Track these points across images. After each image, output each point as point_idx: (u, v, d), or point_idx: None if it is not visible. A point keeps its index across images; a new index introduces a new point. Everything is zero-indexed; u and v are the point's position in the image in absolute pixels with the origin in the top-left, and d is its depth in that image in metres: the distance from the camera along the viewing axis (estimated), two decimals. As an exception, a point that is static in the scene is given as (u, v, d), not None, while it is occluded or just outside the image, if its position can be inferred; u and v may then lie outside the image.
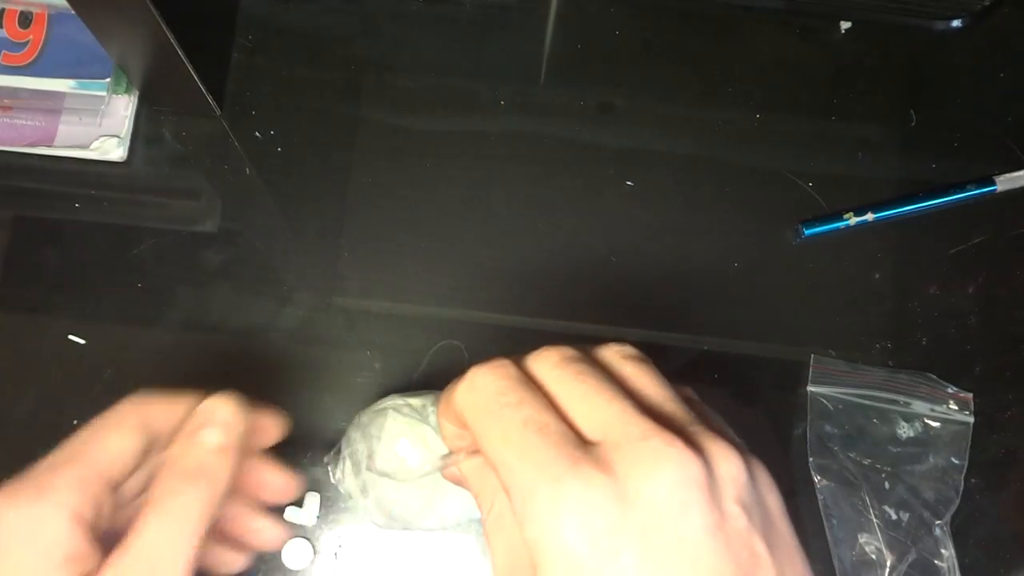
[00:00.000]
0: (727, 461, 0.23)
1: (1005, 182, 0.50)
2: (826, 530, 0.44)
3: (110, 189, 0.49)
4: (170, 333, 0.47)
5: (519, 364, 0.26)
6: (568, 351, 0.26)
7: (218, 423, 0.31)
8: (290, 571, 0.44)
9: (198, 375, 0.46)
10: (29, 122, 0.49)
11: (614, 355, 0.27)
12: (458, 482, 0.29)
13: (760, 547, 0.23)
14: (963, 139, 0.51)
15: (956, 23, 0.53)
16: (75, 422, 0.45)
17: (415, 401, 0.38)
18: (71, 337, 0.47)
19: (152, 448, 0.32)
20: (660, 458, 0.22)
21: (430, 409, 0.37)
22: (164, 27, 0.41)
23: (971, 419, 0.46)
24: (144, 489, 0.32)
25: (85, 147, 0.49)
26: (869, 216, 0.49)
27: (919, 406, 0.46)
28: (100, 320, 0.47)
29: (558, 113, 0.51)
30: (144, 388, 0.46)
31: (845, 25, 0.53)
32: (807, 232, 0.49)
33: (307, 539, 0.44)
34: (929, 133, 0.52)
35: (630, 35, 0.52)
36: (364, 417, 0.39)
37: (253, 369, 0.47)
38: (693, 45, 0.53)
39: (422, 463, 0.32)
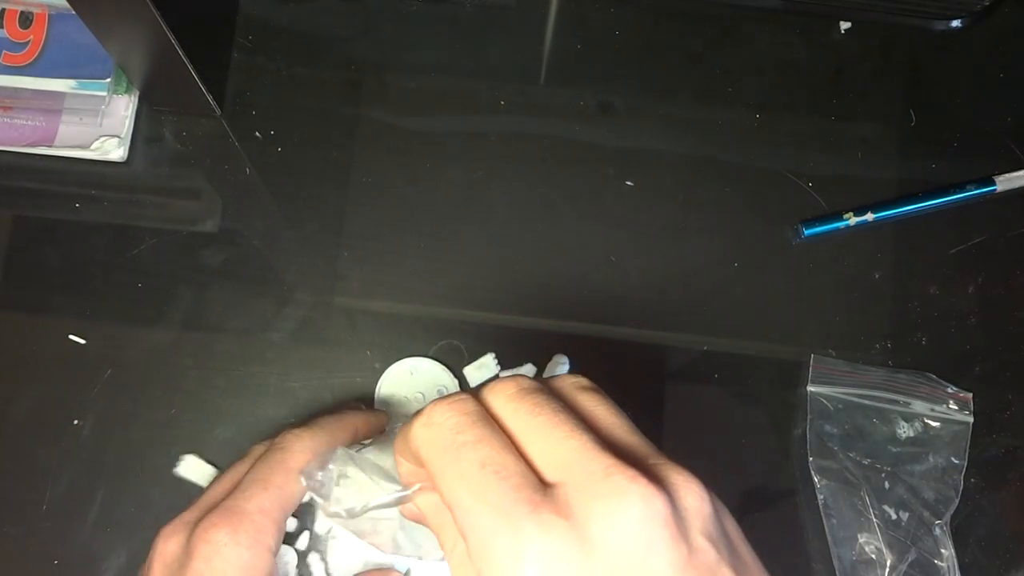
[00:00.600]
0: (691, 493, 0.22)
1: (1005, 182, 0.50)
2: (826, 530, 0.44)
3: (110, 189, 0.49)
4: (170, 333, 0.47)
5: (477, 397, 0.25)
6: (524, 382, 0.25)
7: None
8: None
9: (198, 375, 0.46)
10: (29, 122, 0.49)
11: (570, 386, 0.26)
12: (418, 519, 0.28)
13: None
14: (963, 139, 0.51)
15: (956, 23, 0.53)
16: (75, 422, 0.46)
17: (368, 444, 0.38)
18: (71, 337, 0.47)
19: None
20: (622, 496, 0.21)
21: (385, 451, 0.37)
22: (164, 27, 0.41)
23: (971, 419, 0.46)
24: None
25: (85, 147, 0.49)
26: (869, 216, 0.49)
27: (919, 406, 0.46)
28: (100, 320, 0.47)
29: (558, 113, 0.51)
30: (142, 388, 0.46)
31: (845, 25, 0.53)
32: (807, 232, 0.49)
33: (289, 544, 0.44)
34: (929, 133, 0.52)
35: (630, 35, 0.53)
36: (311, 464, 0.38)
37: (253, 369, 0.47)
38: (693, 45, 0.53)
39: (371, 500, 0.31)
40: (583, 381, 0.26)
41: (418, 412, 0.25)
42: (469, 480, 0.23)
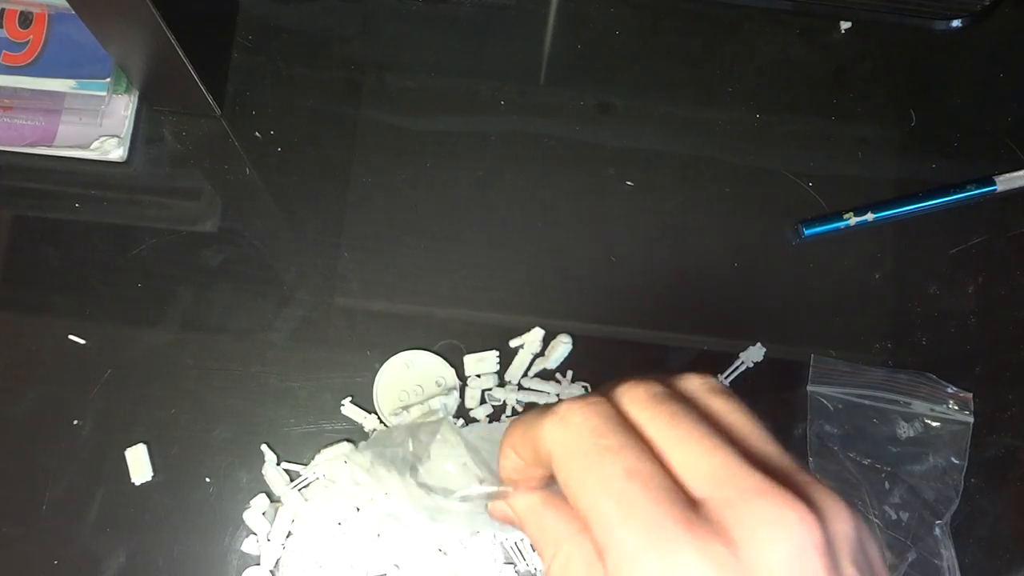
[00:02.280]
0: (841, 519, 0.21)
1: (1005, 182, 0.50)
2: (826, 530, 0.44)
3: (110, 189, 0.49)
4: (170, 333, 0.47)
5: (610, 400, 0.24)
6: (654, 387, 0.24)
7: None
8: (249, 555, 0.44)
9: (198, 375, 0.46)
10: (29, 122, 0.49)
11: (700, 388, 0.24)
12: (507, 520, 0.26)
13: None
14: (963, 139, 0.51)
15: (956, 23, 0.53)
16: (75, 422, 0.46)
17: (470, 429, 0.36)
18: (71, 337, 0.47)
19: None
20: (780, 521, 0.20)
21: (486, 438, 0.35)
22: (164, 27, 0.41)
23: (971, 419, 0.46)
24: None
25: (85, 147, 0.49)
26: (869, 216, 0.49)
27: (919, 406, 0.46)
28: (100, 320, 0.47)
29: (558, 113, 0.51)
30: (142, 388, 0.46)
31: (845, 25, 0.53)
32: (807, 232, 0.49)
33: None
34: (929, 133, 0.52)
35: (630, 35, 0.53)
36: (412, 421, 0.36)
37: (253, 369, 0.47)
38: (693, 45, 0.53)
39: (466, 486, 0.29)
40: (712, 382, 0.25)
41: (544, 409, 0.24)
42: (614, 490, 0.21)
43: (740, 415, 0.24)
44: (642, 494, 0.21)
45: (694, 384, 0.25)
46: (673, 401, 0.23)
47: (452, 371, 0.46)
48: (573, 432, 0.23)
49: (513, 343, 0.47)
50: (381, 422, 0.46)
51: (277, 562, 0.44)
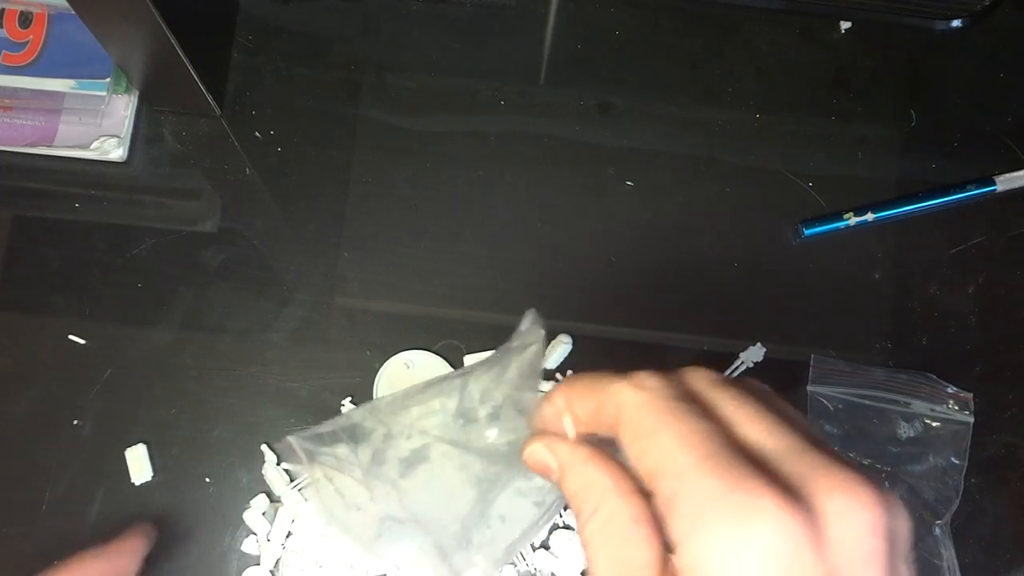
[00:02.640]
0: (901, 516, 0.21)
1: (1005, 182, 0.50)
2: (826, 530, 0.44)
3: (110, 189, 0.49)
4: (170, 333, 0.47)
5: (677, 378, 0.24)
6: (714, 373, 0.24)
7: None
8: (248, 555, 0.44)
9: (198, 375, 0.46)
10: (29, 122, 0.49)
11: (752, 386, 0.25)
12: (542, 468, 0.26)
13: None
14: (963, 139, 0.51)
15: (956, 23, 0.53)
16: (75, 422, 0.46)
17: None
18: (71, 337, 0.47)
19: None
20: (858, 498, 0.20)
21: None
22: (164, 27, 0.41)
23: (971, 419, 0.46)
24: None
25: (85, 147, 0.49)
26: (869, 216, 0.49)
27: (919, 406, 0.46)
28: (100, 320, 0.47)
29: (558, 113, 0.51)
30: (142, 388, 0.46)
31: (845, 25, 0.53)
32: (807, 232, 0.49)
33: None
34: (929, 133, 0.52)
35: (630, 35, 0.53)
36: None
37: (253, 369, 0.47)
38: (693, 45, 0.53)
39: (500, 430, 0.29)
40: (765, 387, 0.25)
41: (608, 374, 0.24)
42: (693, 443, 0.21)
43: (786, 405, 0.24)
44: (722, 449, 0.21)
45: (749, 383, 0.25)
46: (735, 386, 0.24)
47: (451, 369, 0.47)
48: (649, 395, 0.23)
49: (471, 361, 0.47)
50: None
51: (277, 562, 0.44)
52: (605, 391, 0.24)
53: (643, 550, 0.22)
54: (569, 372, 0.47)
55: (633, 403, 0.23)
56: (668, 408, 0.22)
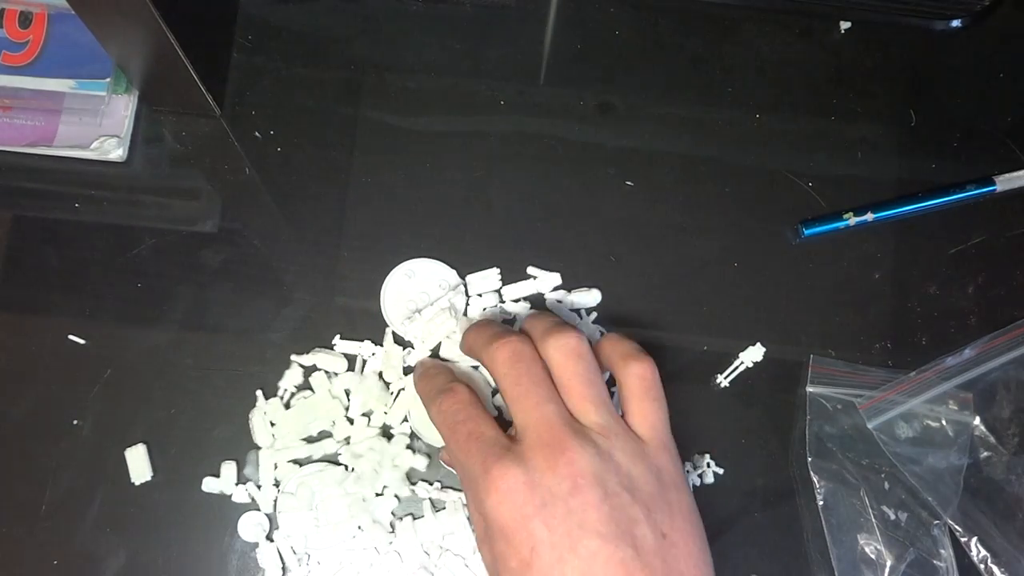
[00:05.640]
0: (621, 451, 0.35)
1: (1005, 182, 0.50)
2: (825, 530, 0.44)
3: (110, 189, 0.49)
4: (170, 333, 0.47)
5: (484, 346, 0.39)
6: (517, 345, 0.38)
7: None
8: (247, 543, 0.44)
9: (198, 375, 0.46)
10: (29, 122, 0.49)
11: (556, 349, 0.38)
12: (451, 467, 0.43)
13: (638, 512, 0.33)
14: (963, 139, 0.52)
15: (956, 23, 0.53)
16: (75, 422, 0.46)
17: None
18: (71, 337, 0.47)
19: None
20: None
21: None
22: (164, 27, 0.41)
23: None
24: None
25: (85, 147, 0.49)
26: (869, 216, 0.49)
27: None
28: (100, 320, 0.47)
29: (558, 113, 0.51)
30: (142, 388, 0.46)
31: (845, 25, 0.53)
32: (807, 232, 0.49)
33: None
34: (929, 133, 0.52)
35: (630, 35, 0.53)
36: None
37: (253, 369, 0.47)
38: (693, 45, 0.53)
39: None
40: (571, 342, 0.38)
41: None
42: (461, 445, 0.37)
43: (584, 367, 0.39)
44: (475, 445, 0.36)
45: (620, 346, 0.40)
46: (525, 362, 0.38)
47: (453, 271, 0.48)
48: (446, 417, 0.38)
49: (474, 282, 0.48)
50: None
51: (274, 503, 0.44)
52: (481, 353, 0.40)
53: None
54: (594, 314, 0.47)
55: (440, 425, 0.39)
56: (454, 424, 0.38)
